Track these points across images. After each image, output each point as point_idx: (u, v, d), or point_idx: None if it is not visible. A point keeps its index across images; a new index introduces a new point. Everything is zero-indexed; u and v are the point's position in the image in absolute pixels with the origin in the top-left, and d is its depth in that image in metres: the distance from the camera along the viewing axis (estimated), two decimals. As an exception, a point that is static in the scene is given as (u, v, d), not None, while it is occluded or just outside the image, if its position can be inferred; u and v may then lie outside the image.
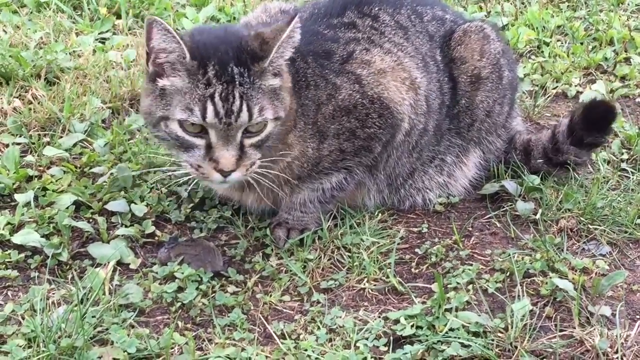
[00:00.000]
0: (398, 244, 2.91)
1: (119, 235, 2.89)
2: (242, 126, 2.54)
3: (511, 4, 4.88)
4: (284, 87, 2.64)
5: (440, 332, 2.48)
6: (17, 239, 2.82)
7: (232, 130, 2.53)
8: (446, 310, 2.56)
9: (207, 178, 2.59)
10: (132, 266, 2.79)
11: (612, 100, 3.23)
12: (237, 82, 2.52)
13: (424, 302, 2.63)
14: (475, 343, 2.43)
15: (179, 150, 2.60)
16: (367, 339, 2.49)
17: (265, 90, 2.57)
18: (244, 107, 2.52)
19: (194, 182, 2.73)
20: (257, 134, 2.58)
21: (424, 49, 3.08)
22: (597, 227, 3.00)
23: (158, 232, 2.94)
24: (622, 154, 3.45)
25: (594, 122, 3.13)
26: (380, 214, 3.05)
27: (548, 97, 3.93)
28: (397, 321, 2.55)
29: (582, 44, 4.41)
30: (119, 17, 4.46)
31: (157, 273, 2.74)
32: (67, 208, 2.97)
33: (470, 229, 3.04)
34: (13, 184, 3.10)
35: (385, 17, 3.04)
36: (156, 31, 2.50)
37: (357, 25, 2.98)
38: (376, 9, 3.05)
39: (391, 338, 2.50)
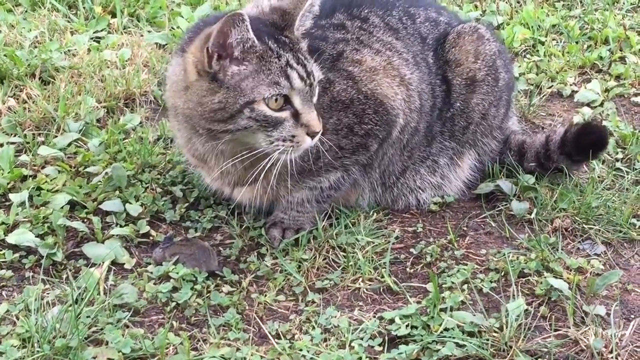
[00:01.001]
0: (393, 243, 2.91)
1: (113, 235, 2.89)
2: (315, 85, 2.64)
3: (506, 2, 4.88)
4: None
5: (435, 331, 2.48)
6: (11, 238, 2.81)
7: (312, 90, 2.65)
8: (441, 310, 2.56)
9: (300, 145, 2.64)
10: (126, 266, 2.78)
11: (606, 129, 3.25)
12: (295, 47, 2.64)
13: (419, 302, 2.63)
14: (470, 343, 2.43)
15: (266, 131, 2.61)
16: (362, 338, 2.49)
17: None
18: (312, 63, 2.65)
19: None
20: (320, 80, 2.72)
21: (414, 49, 3.07)
22: (592, 226, 3.00)
23: (153, 232, 2.94)
24: (617, 153, 3.45)
25: (585, 146, 3.15)
26: (375, 214, 3.05)
27: (543, 96, 3.93)
28: (392, 321, 2.55)
29: (577, 43, 4.41)
30: (114, 16, 4.45)
31: (151, 273, 2.73)
32: (62, 208, 2.96)
33: (465, 228, 3.04)
34: (7, 183, 3.10)
35: (374, 19, 3.04)
36: (240, 27, 2.52)
37: (346, 26, 2.99)
38: (366, 11, 3.05)
39: (386, 338, 2.50)
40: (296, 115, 2.61)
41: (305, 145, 2.64)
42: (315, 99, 2.67)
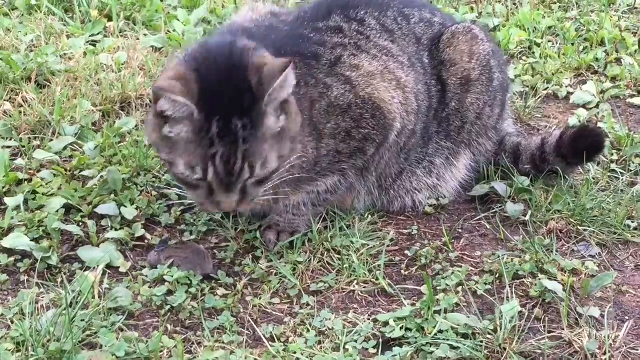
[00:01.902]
0: (388, 246, 2.91)
1: (108, 239, 2.88)
2: (243, 181, 2.56)
3: (502, 4, 4.89)
4: (290, 114, 2.62)
5: (430, 334, 2.48)
6: (6, 242, 2.81)
7: (233, 183, 2.54)
8: (435, 312, 2.56)
9: (210, 212, 2.68)
10: (122, 269, 2.78)
11: (603, 132, 3.28)
12: (240, 140, 2.49)
13: (413, 304, 2.63)
14: (464, 345, 2.43)
15: (183, 185, 2.64)
16: (356, 341, 2.49)
17: (268, 137, 2.54)
18: (245, 166, 2.51)
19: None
20: (259, 176, 2.58)
21: (409, 50, 3.08)
22: (587, 228, 3.00)
23: (148, 235, 2.94)
24: (612, 155, 3.45)
25: (581, 150, 3.16)
26: (370, 216, 3.05)
27: (539, 98, 3.93)
28: (386, 323, 2.55)
29: (573, 44, 4.42)
30: (110, 19, 4.44)
31: (146, 276, 2.73)
32: (57, 211, 2.96)
33: (460, 230, 3.04)
34: (3, 187, 3.10)
35: (371, 21, 3.05)
36: (164, 101, 2.48)
37: (343, 29, 2.99)
38: (362, 12, 3.05)
39: (380, 340, 2.50)
40: (212, 190, 2.57)
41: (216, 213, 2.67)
42: (238, 188, 2.56)
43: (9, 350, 2.36)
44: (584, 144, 3.15)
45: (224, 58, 2.58)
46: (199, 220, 3.01)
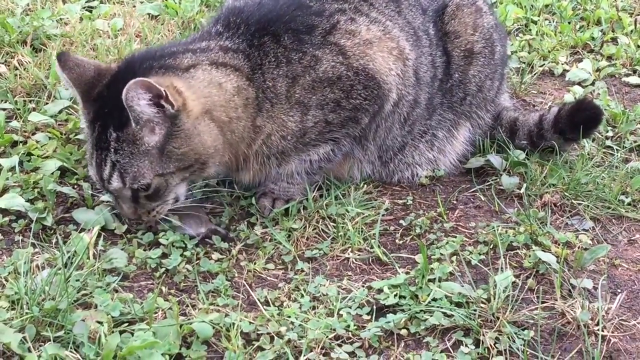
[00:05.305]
0: (383, 215, 2.92)
1: (103, 202, 2.88)
2: (121, 189, 2.64)
3: (500, -18, 4.88)
4: (178, 137, 2.62)
5: (423, 301, 2.49)
6: (1, 202, 2.80)
7: (111, 191, 2.69)
8: (429, 280, 2.57)
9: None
10: (116, 232, 2.78)
11: (600, 106, 3.27)
12: (111, 150, 2.59)
13: (407, 273, 2.64)
14: (458, 313, 2.44)
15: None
16: (350, 307, 2.49)
17: (144, 153, 2.59)
18: (115, 175, 2.61)
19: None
20: (145, 191, 2.64)
21: (416, 22, 3.07)
22: (581, 202, 3.01)
23: (143, 199, 2.93)
24: (607, 131, 3.46)
25: (579, 123, 3.16)
26: (365, 186, 3.05)
27: (535, 74, 3.94)
28: (380, 290, 2.55)
29: (569, 23, 4.42)
30: (106, -15, 4.43)
31: (141, 239, 2.73)
32: (52, 173, 2.95)
33: (455, 202, 3.05)
34: (-2, 148, 3.10)
35: None
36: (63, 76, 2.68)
37: None
38: None
39: (374, 307, 2.50)
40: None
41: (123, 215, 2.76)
42: (127, 195, 2.67)
43: (4, 308, 2.35)
44: (581, 117, 3.16)
45: (128, 70, 2.67)
46: (195, 186, 3.00)
